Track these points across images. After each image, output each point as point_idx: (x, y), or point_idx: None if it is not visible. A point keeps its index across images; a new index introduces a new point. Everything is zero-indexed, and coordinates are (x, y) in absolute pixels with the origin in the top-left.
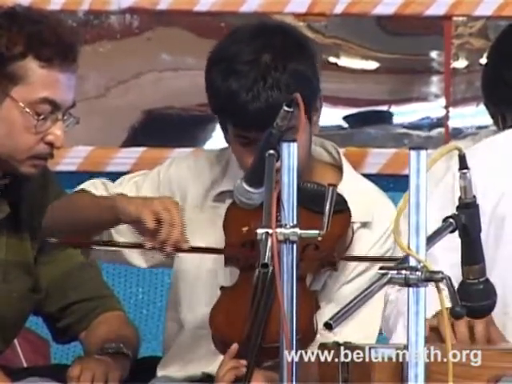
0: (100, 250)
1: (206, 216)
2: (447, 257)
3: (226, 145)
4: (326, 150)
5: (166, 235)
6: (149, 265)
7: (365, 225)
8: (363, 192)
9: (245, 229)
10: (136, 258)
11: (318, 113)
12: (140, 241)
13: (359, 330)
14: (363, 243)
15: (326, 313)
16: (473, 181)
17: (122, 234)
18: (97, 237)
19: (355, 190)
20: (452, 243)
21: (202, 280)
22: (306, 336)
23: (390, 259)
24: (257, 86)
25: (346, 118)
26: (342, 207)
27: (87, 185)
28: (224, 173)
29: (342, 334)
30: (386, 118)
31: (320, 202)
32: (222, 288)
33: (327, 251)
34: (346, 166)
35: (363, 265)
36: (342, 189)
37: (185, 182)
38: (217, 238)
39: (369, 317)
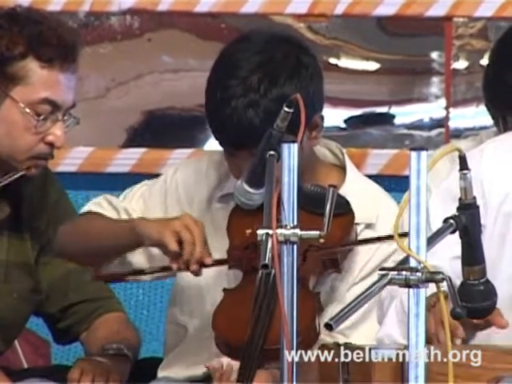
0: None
1: (211, 218)
2: (447, 250)
3: None
4: (331, 151)
5: (188, 255)
6: (153, 279)
7: (369, 226)
8: (367, 193)
9: (248, 231)
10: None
11: (318, 129)
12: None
13: (371, 334)
14: (368, 245)
15: None
16: (480, 178)
17: (133, 253)
18: (115, 260)
19: (359, 190)
20: (452, 236)
21: (206, 282)
22: (307, 338)
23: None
24: (236, 103)
25: (346, 120)
26: (345, 209)
27: (92, 206)
28: (228, 175)
29: (351, 337)
30: (387, 118)
31: (321, 204)
32: (224, 290)
33: (330, 253)
34: (350, 167)
35: (371, 264)
36: (345, 190)
37: (191, 186)
38: (222, 240)
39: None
